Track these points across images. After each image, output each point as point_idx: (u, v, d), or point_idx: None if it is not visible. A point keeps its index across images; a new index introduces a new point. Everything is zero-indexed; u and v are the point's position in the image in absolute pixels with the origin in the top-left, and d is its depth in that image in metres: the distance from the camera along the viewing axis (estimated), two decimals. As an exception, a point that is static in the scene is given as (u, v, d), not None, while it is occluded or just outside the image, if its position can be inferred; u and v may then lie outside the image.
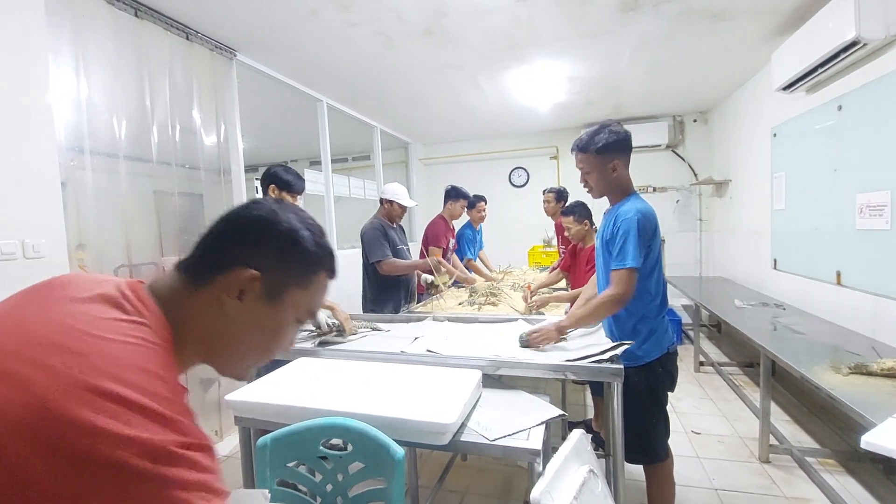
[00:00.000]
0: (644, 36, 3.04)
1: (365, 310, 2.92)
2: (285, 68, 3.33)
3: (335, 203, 4.39)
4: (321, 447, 1.11)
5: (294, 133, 5.14)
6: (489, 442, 1.19)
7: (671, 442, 1.72)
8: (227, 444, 2.77)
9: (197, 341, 0.60)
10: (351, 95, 4.07)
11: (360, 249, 2.92)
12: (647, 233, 1.56)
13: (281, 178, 2.10)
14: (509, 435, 1.21)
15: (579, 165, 1.71)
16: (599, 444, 2.57)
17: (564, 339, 1.75)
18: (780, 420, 2.87)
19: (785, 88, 3.10)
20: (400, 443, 1.19)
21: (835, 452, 2.44)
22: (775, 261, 3.67)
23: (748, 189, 4.28)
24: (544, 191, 4.02)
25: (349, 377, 1.50)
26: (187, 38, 2.56)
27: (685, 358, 4.24)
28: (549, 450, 1.42)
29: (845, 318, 2.69)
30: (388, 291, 2.94)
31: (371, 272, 2.92)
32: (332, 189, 4.16)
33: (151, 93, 2.34)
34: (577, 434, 1.32)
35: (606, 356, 1.50)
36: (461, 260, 3.82)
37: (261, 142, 5.43)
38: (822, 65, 2.69)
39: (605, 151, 1.63)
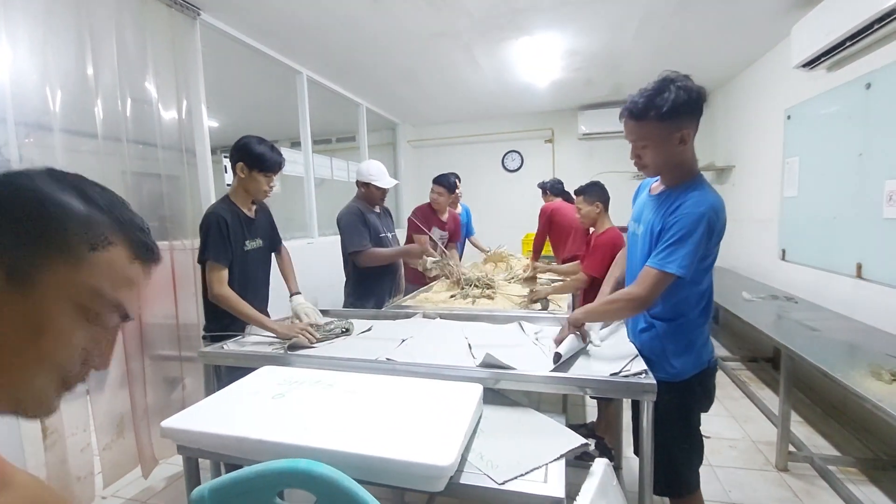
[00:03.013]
0: (654, 3, 2.76)
1: (346, 304, 2.62)
2: (259, 32, 2.98)
3: (318, 186, 4.07)
4: (277, 500, 0.85)
5: (274, 110, 4.76)
6: (498, 487, 0.93)
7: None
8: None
9: None
10: (334, 68, 3.72)
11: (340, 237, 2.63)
12: (713, 236, 1.24)
13: (252, 152, 1.78)
14: (521, 475, 0.96)
15: (631, 137, 1.29)
16: (603, 451, 2.36)
17: (586, 336, 1.48)
18: (793, 421, 2.68)
19: (805, 65, 2.86)
20: (383, 487, 0.94)
21: (858, 460, 2.26)
22: (783, 251, 3.48)
23: (754, 175, 4.07)
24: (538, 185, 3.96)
25: (321, 394, 1.23)
26: (139, -8, 2.21)
27: (686, 352, 4.07)
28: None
29: (866, 314, 2.50)
30: (370, 283, 2.64)
31: (351, 262, 2.64)
32: (313, 171, 3.84)
33: (94, 56, 2.00)
34: (601, 465, 1.08)
35: (632, 369, 1.26)
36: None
37: (236, 119, 5.04)
38: (850, 38, 2.45)
39: (673, 116, 1.20)
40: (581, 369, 1.35)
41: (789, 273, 3.40)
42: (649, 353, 1.40)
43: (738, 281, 3.82)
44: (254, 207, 1.93)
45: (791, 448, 2.29)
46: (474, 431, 1.14)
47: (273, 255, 2.13)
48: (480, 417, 1.22)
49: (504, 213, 5.73)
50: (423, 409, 1.13)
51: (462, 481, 0.96)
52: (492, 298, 2.62)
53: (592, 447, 2.51)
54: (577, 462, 2.29)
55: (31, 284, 0.43)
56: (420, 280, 3.18)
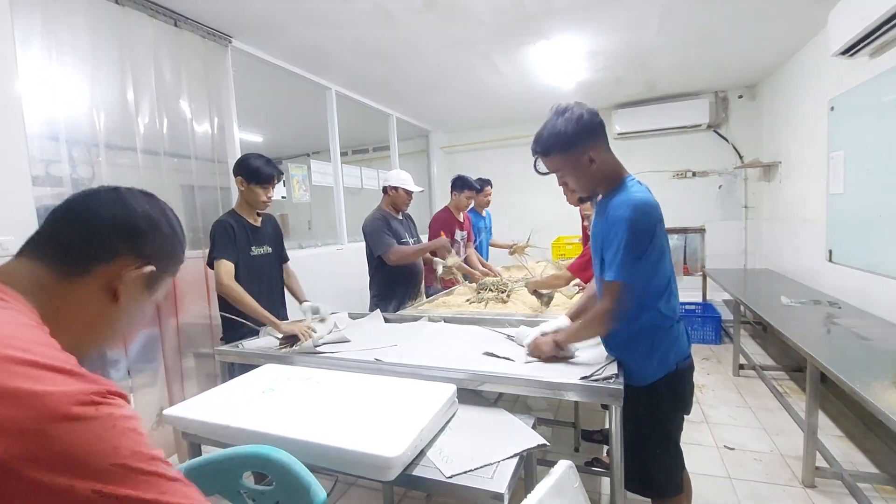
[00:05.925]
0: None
1: (371, 307, 2.78)
2: (286, 54, 3.19)
3: (354, 196, 4.26)
4: (242, 480, 0.96)
5: (310, 124, 5.03)
6: (445, 479, 0.99)
7: (698, 458, 1.45)
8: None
9: (76, 328, 0.59)
10: (361, 82, 3.89)
11: (364, 244, 2.77)
12: (643, 234, 1.26)
13: (248, 167, 1.93)
14: (470, 471, 1.01)
15: (550, 171, 1.43)
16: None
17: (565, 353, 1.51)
18: (831, 435, 2.51)
19: (844, 52, 2.67)
20: (340, 475, 1.02)
21: (893, 478, 2.08)
22: (830, 252, 3.24)
23: (800, 171, 3.81)
24: None
25: (306, 390, 1.34)
26: (175, 25, 2.45)
27: (724, 359, 3.87)
28: (533, 481, 1.22)
29: (913, 321, 2.30)
30: (392, 287, 2.80)
31: (375, 266, 2.79)
32: (342, 180, 4.02)
33: (135, 83, 2.24)
34: (562, 467, 1.10)
35: (603, 374, 1.27)
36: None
37: (279, 134, 5.38)
38: (889, 20, 2.27)
39: (573, 145, 1.31)
40: (555, 372, 1.37)
41: (837, 276, 3.16)
42: (617, 360, 1.41)
43: (783, 284, 3.59)
44: (260, 218, 2.09)
45: (821, 462, 2.15)
46: (442, 428, 1.20)
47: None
48: (453, 416, 1.28)
49: (535, 217, 5.68)
50: (390, 405, 1.20)
51: (415, 473, 1.02)
52: (505, 302, 2.65)
53: (605, 454, 2.47)
54: (586, 468, 2.28)
55: (153, 290, 0.67)
56: (443, 283, 3.28)
